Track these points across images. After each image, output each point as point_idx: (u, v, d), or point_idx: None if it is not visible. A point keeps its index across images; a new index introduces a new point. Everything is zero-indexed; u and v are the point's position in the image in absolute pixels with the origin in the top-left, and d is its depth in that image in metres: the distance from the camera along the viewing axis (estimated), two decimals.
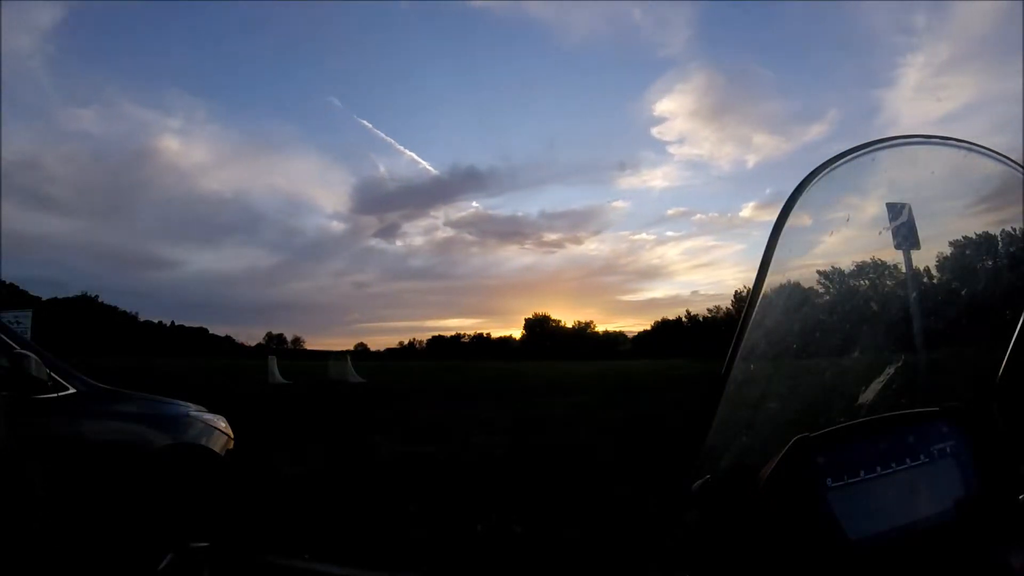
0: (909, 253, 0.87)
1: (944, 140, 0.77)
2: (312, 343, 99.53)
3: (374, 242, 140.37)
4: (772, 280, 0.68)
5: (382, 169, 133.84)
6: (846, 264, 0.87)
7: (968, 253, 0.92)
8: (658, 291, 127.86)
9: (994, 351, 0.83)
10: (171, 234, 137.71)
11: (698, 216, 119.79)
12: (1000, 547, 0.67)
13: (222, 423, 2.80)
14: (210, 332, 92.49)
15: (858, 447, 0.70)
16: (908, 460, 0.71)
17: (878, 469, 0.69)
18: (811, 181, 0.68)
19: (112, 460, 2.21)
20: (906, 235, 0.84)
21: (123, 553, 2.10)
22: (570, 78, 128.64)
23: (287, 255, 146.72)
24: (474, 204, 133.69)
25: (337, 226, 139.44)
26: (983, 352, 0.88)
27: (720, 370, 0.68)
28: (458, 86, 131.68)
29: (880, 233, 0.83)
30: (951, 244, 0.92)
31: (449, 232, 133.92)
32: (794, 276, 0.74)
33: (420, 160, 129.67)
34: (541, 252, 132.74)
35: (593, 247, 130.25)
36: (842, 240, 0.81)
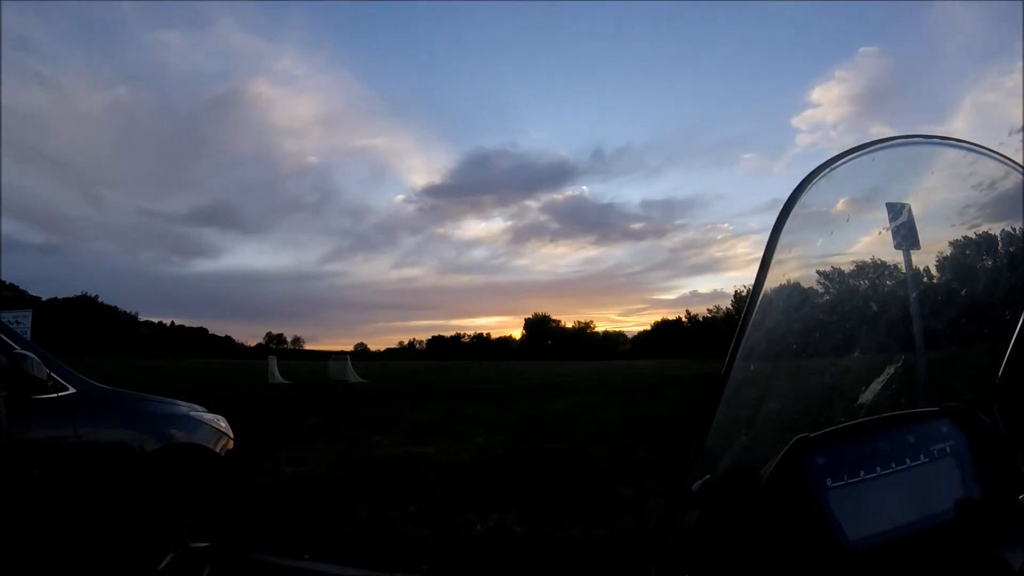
0: (909, 253, 0.87)
1: (944, 140, 0.77)
2: (312, 343, 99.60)
3: (446, 228, 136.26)
4: (772, 280, 0.67)
5: (504, 144, 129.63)
6: (846, 264, 0.87)
7: (968, 253, 0.92)
8: (703, 286, 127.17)
9: (994, 351, 0.83)
10: (223, 213, 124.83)
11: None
12: (1000, 547, 0.67)
13: (222, 423, 2.79)
14: (210, 332, 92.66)
15: (858, 447, 0.70)
16: (908, 460, 0.70)
17: (878, 469, 0.69)
18: (811, 181, 0.68)
19: (112, 460, 2.21)
20: (906, 235, 0.84)
21: (123, 553, 2.10)
22: (726, 58, 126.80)
23: (343, 241, 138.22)
24: (583, 188, 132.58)
25: (413, 208, 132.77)
26: (983, 352, 0.88)
27: (720, 370, 0.68)
28: (609, 66, 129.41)
29: (880, 233, 0.83)
30: (951, 244, 0.92)
31: (538, 218, 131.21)
32: (794, 276, 0.74)
33: (551, 137, 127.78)
34: (611, 245, 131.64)
35: (670, 238, 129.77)
36: (842, 240, 0.81)
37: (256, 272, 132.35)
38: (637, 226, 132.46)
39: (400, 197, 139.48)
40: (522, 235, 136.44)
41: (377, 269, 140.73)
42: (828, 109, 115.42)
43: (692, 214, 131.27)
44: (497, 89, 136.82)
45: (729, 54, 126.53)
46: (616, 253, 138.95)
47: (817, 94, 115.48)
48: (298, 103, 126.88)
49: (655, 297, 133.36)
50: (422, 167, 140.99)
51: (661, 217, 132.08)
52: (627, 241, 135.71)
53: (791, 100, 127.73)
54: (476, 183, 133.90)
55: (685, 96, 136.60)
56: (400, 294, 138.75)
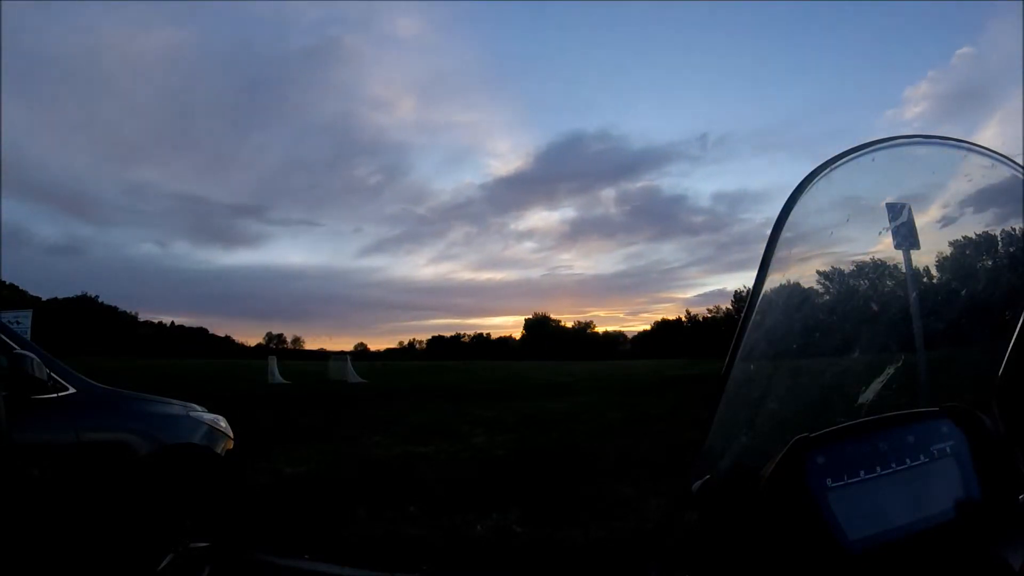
0: (909, 253, 0.87)
1: (944, 140, 0.77)
2: (314, 341, 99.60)
3: (504, 218, 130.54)
4: (772, 280, 0.68)
5: (606, 125, 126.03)
6: (846, 264, 0.87)
7: (968, 253, 0.92)
8: (732, 283, 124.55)
9: (994, 351, 0.83)
10: (267, 200, 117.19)
11: None
12: (1000, 547, 0.67)
13: (222, 423, 2.79)
14: (210, 332, 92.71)
15: (858, 447, 0.70)
16: (908, 460, 0.70)
17: (878, 469, 0.69)
18: (811, 181, 0.68)
19: (112, 460, 2.21)
20: (906, 235, 0.84)
21: (123, 553, 2.10)
22: (838, 53, 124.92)
23: (392, 231, 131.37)
24: (662, 179, 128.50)
25: (478, 196, 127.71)
26: (983, 352, 0.88)
27: (720, 370, 0.68)
28: (724, 57, 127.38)
29: (880, 233, 0.83)
30: (951, 244, 0.92)
31: (607, 210, 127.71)
32: (794, 276, 0.74)
33: (654, 122, 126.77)
34: (661, 241, 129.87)
35: (725, 233, 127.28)
36: (842, 240, 0.81)
37: (279, 269, 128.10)
38: (698, 219, 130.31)
39: (468, 180, 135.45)
40: (579, 228, 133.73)
41: (415, 263, 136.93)
42: (910, 107, 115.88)
43: (758, 208, 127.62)
44: (608, 71, 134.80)
45: (841, 48, 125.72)
46: (663, 248, 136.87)
47: (908, 92, 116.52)
48: (400, 64, 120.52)
49: (676, 295, 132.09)
50: (507, 150, 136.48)
51: (725, 211, 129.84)
52: (681, 236, 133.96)
53: (887, 96, 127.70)
54: (558, 169, 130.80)
55: (802, 89, 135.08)
56: (423, 292, 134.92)
